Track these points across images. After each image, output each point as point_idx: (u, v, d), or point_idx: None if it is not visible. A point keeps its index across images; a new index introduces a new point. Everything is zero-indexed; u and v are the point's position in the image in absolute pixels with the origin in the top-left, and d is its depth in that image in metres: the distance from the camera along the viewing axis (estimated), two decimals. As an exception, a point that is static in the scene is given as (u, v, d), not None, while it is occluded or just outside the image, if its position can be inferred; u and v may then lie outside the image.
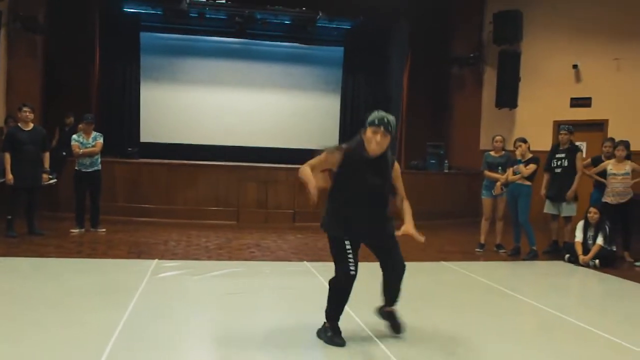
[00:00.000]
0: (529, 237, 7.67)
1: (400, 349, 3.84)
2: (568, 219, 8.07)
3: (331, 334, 3.95)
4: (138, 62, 14.01)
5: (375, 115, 3.81)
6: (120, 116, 13.78)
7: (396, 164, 3.99)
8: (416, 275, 5.77)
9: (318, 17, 13.42)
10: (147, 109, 14.13)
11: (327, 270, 6.02)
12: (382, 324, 4.16)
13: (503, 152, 7.96)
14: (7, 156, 7.61)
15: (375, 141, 3.73)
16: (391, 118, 3.81)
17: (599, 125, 10.86)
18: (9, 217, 7.69)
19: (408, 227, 3.85)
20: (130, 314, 4.32)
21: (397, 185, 3.98)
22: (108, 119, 13.22)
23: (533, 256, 7.56)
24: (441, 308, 4.96)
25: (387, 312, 4.13)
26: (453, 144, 12.59)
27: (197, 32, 14.41)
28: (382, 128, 3.72)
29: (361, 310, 4.43)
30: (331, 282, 3.94)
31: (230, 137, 14.31)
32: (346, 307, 3.97)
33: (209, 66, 14.68)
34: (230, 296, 5.03)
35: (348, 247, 3.83)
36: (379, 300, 4.13)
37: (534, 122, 11.32)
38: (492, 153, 8.01)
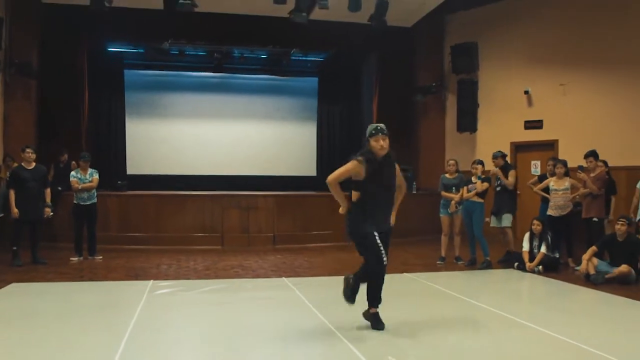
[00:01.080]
0: (483, 249, 8.60)
1: (363, 343, 4.69)
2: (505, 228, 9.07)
3: (374, 320, 5.01)
4: (123, 98, 14.79)
5: (372, 126, 5.02)
6: (108, 151, 14.50)
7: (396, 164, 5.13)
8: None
9: (292, 51, 14.39)
10: (133, 143, 14.83)
11: (302, 284, 6.99)
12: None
13: (456, 174, 8.93)
14: (12, 193, 8.44)
15: (380, 145, 4.90)
16: (382, 125, 5.03)
17: (550, 145, 11.91)
18: (14, 248, 8.51)
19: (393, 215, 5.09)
20: (135, 324, 5.16)
21: (399, 179, 5.16)
22: (96, 154, 14.00)
23: (487, 266, 8.49)
24: (401, 311, 5.81)
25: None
26: (420, 166, 13.59)
27: (178, 68, 15.19)
28: (381, 133, 4.91)
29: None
30: (366, 275, 4.98)
31: (212, 167, 15.01)
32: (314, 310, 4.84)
33: (190, 100, 15.43)
34: (218, 306, 5.90)
35: (378, 240, 4.87)
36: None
37: (493, 144, 12.23)
38: (447, 175, 8.99)
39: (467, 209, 8.68)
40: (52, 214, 9.95)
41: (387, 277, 7.31)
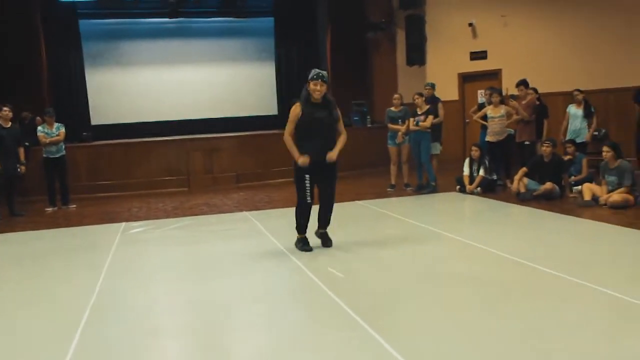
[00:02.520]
0: (429, 174, 9.37)
1: (310, 260, 5.45)
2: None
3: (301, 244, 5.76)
4: (80, 49, 14.87)
5: (314, 71, 5.57)
6: (70, 102, 14.65)
7: (337, 109, 5.70)
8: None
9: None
10: (94, 93, 15.04)
11: (261, 216, 7.70)
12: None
13: (401, 106, 9.60)
14: None
15: (316, 90, 5.44)
16: (324, 72, 5.59)
17: (495, 75, 12.64)
18: (-6, 203, 9.02)
19: (332, 153, 5.58)
20: (112, 259, 5.86)
21: (338, 124, 5.70)
22: (59, 107, 14.24)
23: (432, 190, 9.29)
24: (350, 233, 6.57)
25: (321, 233, 5.91)
26: (374, 101, 14.23)
27: (133, 15, 15.30)
28: (320, 79, 5.45)
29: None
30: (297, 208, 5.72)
31: (175, 112, 15.36)
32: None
33: (148, 47, 15.59)
34: (185, 239, 6.65)
35: (307, 181, 5.61)
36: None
37: (441, 75, 12.99)
38: (392, 109, 9.65)
39: (416, 138, 9.32)
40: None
41: (341, 204, 8.28)
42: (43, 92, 12.90)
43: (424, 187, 9.35)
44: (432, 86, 10.01)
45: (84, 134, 12.67)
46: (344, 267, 5.04)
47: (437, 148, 9.77)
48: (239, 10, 15.64)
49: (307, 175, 5.57)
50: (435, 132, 9.57)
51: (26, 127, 11.20)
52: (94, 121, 14.96)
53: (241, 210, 8.51)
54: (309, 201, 5.64)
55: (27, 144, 10.57)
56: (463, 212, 8.34)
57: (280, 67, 16.30)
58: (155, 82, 15.54)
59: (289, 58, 16.31)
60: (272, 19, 16.21)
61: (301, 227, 5.81)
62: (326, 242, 5.90)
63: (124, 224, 7.84)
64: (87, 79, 14.99)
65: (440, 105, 9.81)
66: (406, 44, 13.54)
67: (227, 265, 5.43)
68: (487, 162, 9.12)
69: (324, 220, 5.92)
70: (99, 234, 7.29)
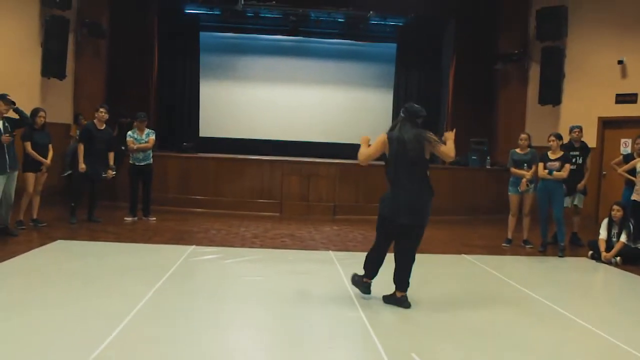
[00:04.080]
0: (561, 234, 7.78)
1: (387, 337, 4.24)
2: (577, 208, 8.64)
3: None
4: (198, 60, 14.79)
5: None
6: (181, 113, 14.63)
7: None
8: (429, 266, 6.18)
9: (369, 14, 13.78)
10: (206, 105, 14.91)
11: (347, 258, 6.57)
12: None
13: (528, 149, 8.12)
14: (81, 147, 8.45)
15: None
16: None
17: (645, 122, 10.74)
18: (72, 204, 8.57)
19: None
20: (157, 289, 4.97)
21: None
22: (168, 116, 14.15)
23: (564, 252, 7.70)
24: (440, 295, 5.29)
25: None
26: (497, 140, 12.71)
27: (253, 30, 15.07)
28: None
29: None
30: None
31: (284, 132, 14.89)
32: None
33: (265, 63, 15.28)
34: (246, 279, 5.60)
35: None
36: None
37: (578, 119, 11.18)
38: (517, 150, 8.20)
39: (548, 188, 7.80)
40: (114, 174, 10.08)
41: (443, 257, 6.99)
42: (150, 99, 12.64)
43: (561, 250, 7.74)
44: (581, 129, 8.67)
45: (184, 144, 12.22)
46: (433, 356, 3.75)
47: (581, 199, 8.60)
48: (361, 33, 15.00)
49: None
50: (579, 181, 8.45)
51: (125, 131, 10.91)
52: (202, 133, 14.76)
53: (327, 249, 7.40)
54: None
55: (122, 148, 10.22)
56: (596, 287, 6.70)
57: (399, 95, 15.31)
58: (267, 100, 15.20)
59: (409, 86, 15.36)
60: (394, 44, 15.34)
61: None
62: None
63: (192, 247, 6.99)
64: (200, 90, 14.80)
65: (590, 154, 8.74)
66: (540, 79, 11.92)
67: (275, 320, 4.34)
68: (631, 226, 7.41)
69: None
70: (162, 255, 6.46)
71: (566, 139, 8.50)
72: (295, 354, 3.70)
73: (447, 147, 4.85)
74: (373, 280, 5.03)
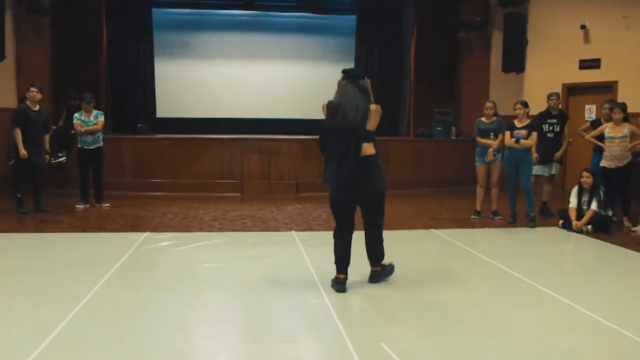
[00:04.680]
0: (530, 203, 7.55)
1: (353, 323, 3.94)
2: (553, 177, 8.52)
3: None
4: (151, 38, 14.12)
5: None
6: (135, 93, 13.97)
7: None
8: (397, 243, 5.90)
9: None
10: (162, 85, 14.28)
11: (310, 238, 6.23)
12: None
13: (494, 117, 7.86)
14: (19, 132, 7.82)
15: None
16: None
17: (609, 87, 10.58)
18: (18, 195, 8.00)
19: None
20: (102, 285, 4.54)
21: None
22: (122, 97, 13.50)
23: (534, 222, 7.49)
24: (412, 272, 5.00)
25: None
26: (461, 110, 12.48)
27: (208, 5, 14.50)
28: None
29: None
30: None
31: (244, 110, 14.34)
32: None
33: (221, 39, 14.69)
34: (202, 266, 5.22)
35: None
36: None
37: (543, 85, 11.03)
38: (483, 119, 7.92)
39: (514, 158, 7.56)
40: (63, 159, 9.56)
41: (410, 233, 6.73)
42: (100, 80, 12.00)
43: (531, 220, 7.52)
44: (558, 96, 8.47)
45: (139, 125, 11.68)
46: (402, 346, 3.43)
47: (557, 167, 8.47)
48: (319, 6, 14.58)
49: None
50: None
51: (73, 114, 10.32)
52: (160, 114, 14.16)
53: (289, 229, 7.05)
54: None
55: (72, 132, 9.66)
56: (568, 257, 6.51)
57: (360, 67, 14.82)
58: (226, 77, 14.60)
59: (370, 59, 14.95)
60: (354, 16, 14.90)
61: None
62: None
63: (146, 234, 6.54)
64: (155, 69, 14.18)
65: (568, 122, 8.49)
66: (503, 47, 11.67)
67: (235, 312, 3.99)
68: (601, 194, 7.25)
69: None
70: (113, 244, 6.02)
71: (543, 107, 8.31)
72: (257, 349, 3.37)
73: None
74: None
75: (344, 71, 4.51)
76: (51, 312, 3.86)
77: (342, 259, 4.51)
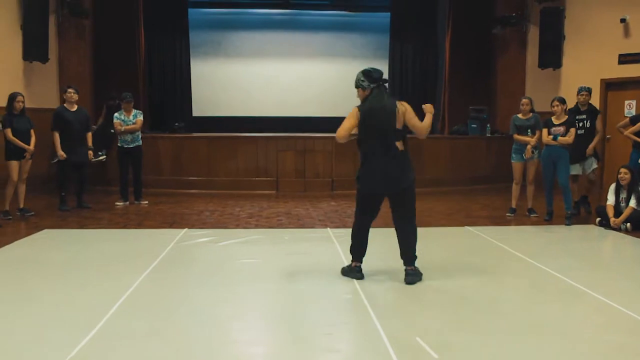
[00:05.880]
0: (568, 200, 7.45)
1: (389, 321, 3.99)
2: (593, 173, 8.22)
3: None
4: (187, 37, 14.38)
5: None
6: (172, 92, 14.25)
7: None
8: (432, 239, 5.92)
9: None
10: (198, 84, 14.53)
11: (345, 235, 6.26)
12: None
13: (531, 114, 7.79)
14: (57, 135, 8.13)
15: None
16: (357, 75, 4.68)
17: (650, 83, 10.39)
18: (62, 193, 8.28)
19: None
20: (144, 278, 4.69)
21: None
22: (159, 96, 13.78)
23: (571, 219, 7.41)
24: (449, 269, 5.02)
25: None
26: (497, 107, 12.36)
27: (243, 5, 14.71)
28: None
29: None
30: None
31: (279, 108, 14.52)
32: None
33: (256, 38, 14.85)
34: (240, 262, 5.33)
35: None
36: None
37: (580, 81, 10.77)
38: (520, 116, 7.86)
39: (551, 155, 7.49)
40: (103, 157, 9.79)
41: (445, 230, 6.74)
42: (139, 79, 12.27)
43: (568, 218, 7.40)
44: (589, 91, 8.11)
45: (176, 124, 11.90)
46: (437, 339, 3.47)
47: (592, 164, 8.07)
48: (353, 4, 14.61)
49: None
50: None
51: (112, 114, 10.58)
52: (196, 112, 14.42)
53: (325, 226, 7.13)
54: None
55: (112, 131, 9.91)
56: (606, 255, 6.40)
57: (394, 65, 14.92)
58: (261, 75, 14.80)
59: (404, 56, 14.95)
60: (388, 14, 14.90)
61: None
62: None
63: (185, 230, 6.72)
64: (192, 69, 14.43)
65: (599, 117, 8.14)
66: (539, 42, 11.51)
67: (279, 308, 4.08)
68: (640, 190, 7.14)
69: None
70: (153, 240, 6.19)
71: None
72: (293, 343, 3.44)
73: (423, 123, 4.62)
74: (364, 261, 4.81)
75: (366, 73, 4.63)
76: (97, 303, 4.02)
77: (362, 246, 4.76)
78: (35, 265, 5.17)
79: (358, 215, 4.78)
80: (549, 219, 7.61)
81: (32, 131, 7.72)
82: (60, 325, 3.63)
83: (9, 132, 7.44)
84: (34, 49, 9.96)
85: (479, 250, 5.96)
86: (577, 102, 8.13)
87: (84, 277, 4.77)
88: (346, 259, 5.20)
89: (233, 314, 3.94)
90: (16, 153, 7.53)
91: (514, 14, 11.85)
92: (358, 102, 4.68)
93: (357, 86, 4.66)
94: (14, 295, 4.29)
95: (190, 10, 14.41)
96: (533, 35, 11.88)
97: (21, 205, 7.73)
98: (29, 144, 7.60)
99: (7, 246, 5.87)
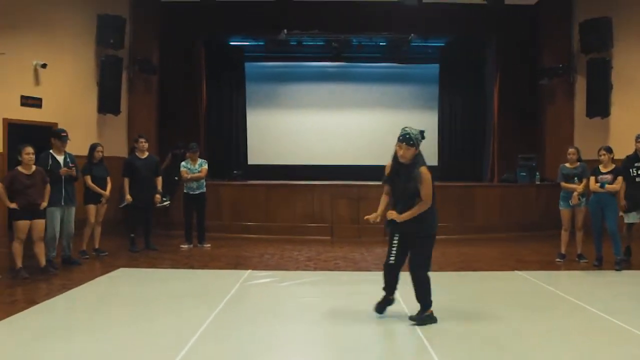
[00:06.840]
0: (617, 246, 7.62)
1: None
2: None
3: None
4: (244, 90, 15.23)
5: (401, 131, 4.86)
6: (229, 141, 15.04)
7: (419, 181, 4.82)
8: (482, 283, 6.20)
9: (410, 37, 13.93)
10: (253, 134, 15.30)
11: (404, 278, 6.60)
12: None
13: (578, 163, 8.06)
14: (126, 181, 8.81)
15: (399, 154, 4.91)
16: (413, 132, 4.86)
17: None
18: (132, 235, 8.94)
19: (393, 213, 4.98)
20: (219, 313, 5.17)
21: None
22: (217, 145, 14.53)
23: (622, 265, 7.56)
24: (499, 315, 5.30)
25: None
26: (545, 155, 12.57)
27: (297, 58, 15.43)
28: (398, 141, 4.87)
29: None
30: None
31: (333, 157, 15.06)
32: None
33: (309, 90, 15.61)
34: (303, 300, 5.77)
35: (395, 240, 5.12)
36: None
37: (628, 130, 10.95)
38: (567, 165, 8.13)
39: (599, 202, 7.72)
40: (167, 203, 10.42)
41: (495, 274, 6.99)
42: (200, 129, 13.07)
43: (617, 263, 7.53)
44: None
45: (235, 172, 12.56)
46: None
47: (634, 217, 7.99)
48: (403, 56, 15.14)
49: (396, 235, 5.07)
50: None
51: (178, 162, 11.29)
52: (251, 161, 15.11)
53: (380, 270, 7.45)
54: (390, 262, 5.17)
55: (176, 178, 10.54)
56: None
57: (444, 115, 15.34)
58: (313, 126, 15.46)
59: (453, 106, 15.37)
60: (437, 65, 15.41)
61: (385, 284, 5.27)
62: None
63: (249, 271, 7.20)
64: (247, 119, 15.19)
65: None
66: (587, 92, 11.79)
67: (346, 338, 4.45)
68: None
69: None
70: (221, 280, 6.69)
71: (630, 151, 8.14)
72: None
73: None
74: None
75: (422, 134, 5.00)
76: (181, 330, 4.52)
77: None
78: (118, 299, 5.74)
79: (429, 264, 5.11)
80: (599, 264, 7.76)
81: (108, 178, 8.42)
82: (150, 347, 4.14)
83: (88, 178, 8.15)
84: (108, 103, 10.87)
85: (529, 293, 6.19)
86: (635, 150, 8.08)
87: (164, 309, 5.30)
88: (402, 299, 5.53)
89: (299, 347, 4.34)
90: (94, 198, 8.22)
91: (560, 65, 12.19)
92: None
93: (413, 144, 4.83)
94: (104, 323, 4.81)
95: (247, 64, 15.28)
96: (580, 85, 12.15)
97: (97, 246, 8.40)
98: (105, 190, 8.28)
99: (90, 282, 6.49)
